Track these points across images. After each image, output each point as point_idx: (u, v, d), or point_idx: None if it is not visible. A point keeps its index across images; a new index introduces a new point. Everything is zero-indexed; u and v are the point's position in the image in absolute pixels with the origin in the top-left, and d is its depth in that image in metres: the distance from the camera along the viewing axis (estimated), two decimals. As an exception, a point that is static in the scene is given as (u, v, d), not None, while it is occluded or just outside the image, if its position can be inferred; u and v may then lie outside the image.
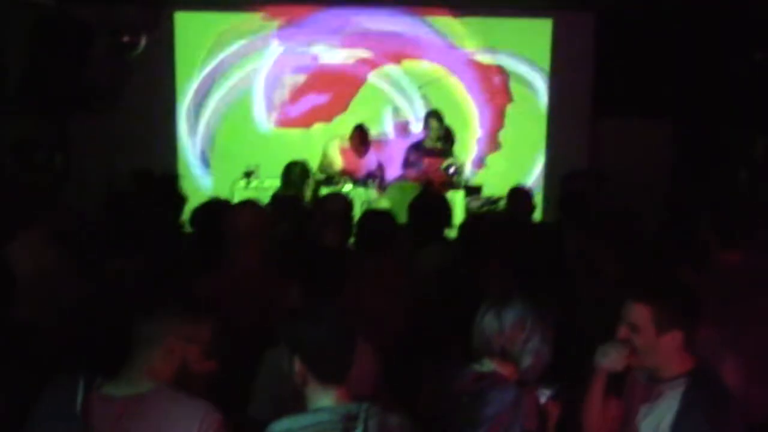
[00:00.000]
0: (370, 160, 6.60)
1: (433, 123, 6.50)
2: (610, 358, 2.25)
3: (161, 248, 3.47)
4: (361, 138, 6.42)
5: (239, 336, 2.63)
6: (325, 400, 1.99)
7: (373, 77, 7.61)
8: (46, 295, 3.12)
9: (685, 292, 2.21)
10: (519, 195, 4.84)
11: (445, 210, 4.00)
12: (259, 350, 2.50)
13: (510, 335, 2.23)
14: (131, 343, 2.00)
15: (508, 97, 7.73)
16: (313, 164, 6.30)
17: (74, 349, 2.56)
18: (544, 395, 2.24)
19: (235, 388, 2.44)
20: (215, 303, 2.62)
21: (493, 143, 7.77)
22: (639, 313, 2.18)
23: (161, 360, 1.99)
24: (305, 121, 7.67)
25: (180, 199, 4.60)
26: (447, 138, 6.67)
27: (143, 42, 6.91)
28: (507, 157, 7.78)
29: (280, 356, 2.34)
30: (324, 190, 5.66)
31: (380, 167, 6.64)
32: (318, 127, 7.62)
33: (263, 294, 2.83)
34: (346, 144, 6.52)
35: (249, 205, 3.37)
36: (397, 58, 7.58)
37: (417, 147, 6.61)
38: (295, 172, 5.11)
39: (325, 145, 6.64)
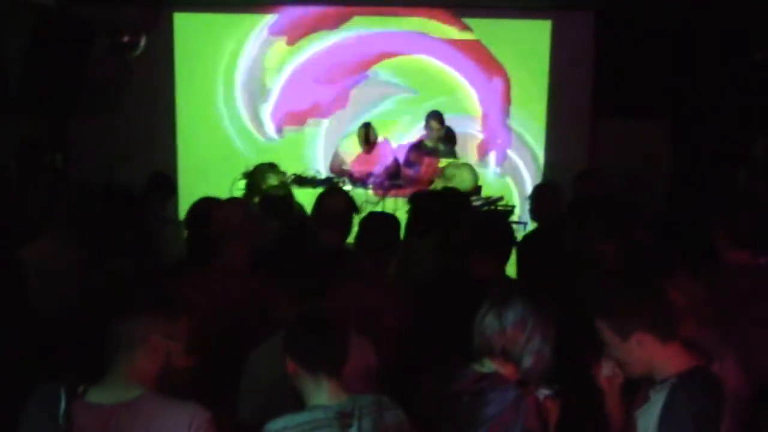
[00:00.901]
0: (382, 159, 6.58)
1: (434, 124, 6.50)
2: (609, 371, 2.26)
3: (154, 248, 3.47)
4: (366, 136, 6.43)
5: (225, 332, 2.63)
6: (320, 394, 2.00)
7: (371, 73, 7.62)
8: (56, 296, 3.13)
9: (634, 294, 2.20)
10: (544, 191, 4.68)
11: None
12: (244, 347, 2.50)
13: (511, 335, 2.22)
14: (112, 346, 1.99)
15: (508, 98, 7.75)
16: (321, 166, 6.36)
17: (65, 352, 2.56)
18: (542, 394, 2.23)
19: (221, 384, 2.44)
20: (200, 299, 2.63)
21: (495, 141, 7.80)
22: (601, 329, 2.20)
23: (145, 360, 1.98)
24: (302, 117, 7.68)
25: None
26: (448, 139, 6.67)
27: (143, 42, 6.91)
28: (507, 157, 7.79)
29: (261, 358, 2.34)
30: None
31: (394, 166, 6.60)
32: (317, 125, 7.64)
33: (250, 291, 2.83)
34: (355, 143, 6.54)
35: (236, 202, 3.37)
36: (395, 55, 7.60)
37: (417, 147, 6.61)
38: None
39: (337, 144, 6.65)
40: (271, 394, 2.30)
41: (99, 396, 1.95)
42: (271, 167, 5.20)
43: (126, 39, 6.83)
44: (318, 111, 7.67)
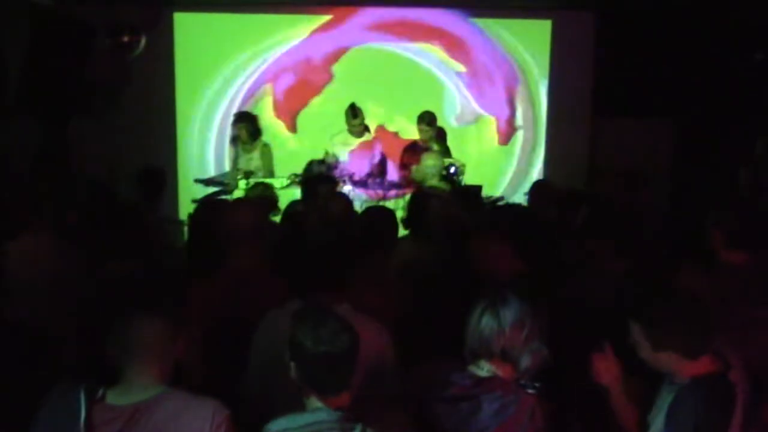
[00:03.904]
0: (373, 150, 6.60)
1: (424, 125, 6.52)
2: (598, 374, 2.29)
3: (158, 249, 3.46)
4: (353, 113, 6.46)
5: (236, 333, 2.63)
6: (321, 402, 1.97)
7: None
8: (50, 297, 3.12)
9: (676, 314, 2.19)
10: (541, 189, 4.75)
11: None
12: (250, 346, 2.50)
13: (510, 336, 2.17)
14: (130, 349, 1.98)
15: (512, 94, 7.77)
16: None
17: (76, 355, 2.55)
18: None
19: (231, 384, 2.44)
20: (212, 301, 2.62)
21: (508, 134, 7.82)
22: (635, 331, 2.22)
23: (160, 360, 1.99)
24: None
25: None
26: (440, 138, 6.70)
27: (143, 42, 6.90)
28: (507, 157, 7.79)
29: (278, 318, 2.33)
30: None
31: (382, 162, 6.63)
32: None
33: (261, 292, 2.83)
34: (344, 133, 6.55)
35: (246, 203, 3.36)
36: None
37: (411, 148, 6.63)
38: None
39: (326, 144, 6.66)
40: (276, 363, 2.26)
41: (119, 398, 1.95)
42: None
43: (126, 39, 6.83)
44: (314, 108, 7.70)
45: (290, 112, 7.73)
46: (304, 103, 7.70)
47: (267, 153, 6.40)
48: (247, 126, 6.30)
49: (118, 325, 2.00)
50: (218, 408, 1.95)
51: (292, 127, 7.75)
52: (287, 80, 7.67)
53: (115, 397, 1.95)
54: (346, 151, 6.48)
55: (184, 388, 2.01)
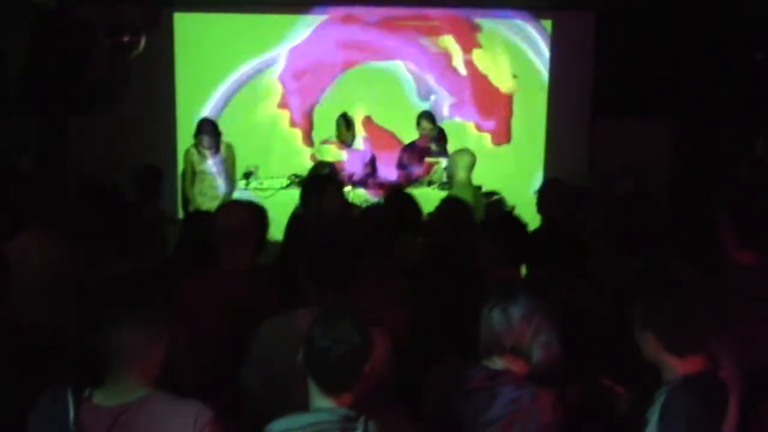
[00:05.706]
0: (362, 154, 6.61)
1: (425, 124, 6.52)
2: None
3: (152, 249, 3.46)
4: (347, 125, 6.46)
5: (224, 333, 2.63)
6: (324, 401, 1.98)
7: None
8: (49, 297, 3.12)
9: (673, 313, 2.22)
10: (550, 189, 4.60)
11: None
12: (244, 347, 2.50)
13: (519, 331, 2.21)
14: (114, 350, 1.98)
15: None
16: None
17: (69, 355, 2.55)
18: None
19: (223, 383, 2.44)
20: (199, 300, 2.63)
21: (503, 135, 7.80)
22: (636, 329, 2.26)
23: (146, 361, 1.99)
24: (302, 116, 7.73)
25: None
26: (440, 138, 6.69)
27: (143, 42, 6.91)
28: (507, 157, 7.79)
29: (277, 326, 2.33)
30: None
31: (372, 162, 6.64)
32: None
33: (249, 292, 2.83)
34: (334, 138, 6.57)
35: (236, 205, 3.39)
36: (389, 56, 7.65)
37: (411, 148, 6.62)
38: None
39: (316, 144, 6.70)
40: (278, 369, 2.27)
41: (104, 398, 1.96)
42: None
43: (126, 39, 6.83)
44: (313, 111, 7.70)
45: (291, 111, 7.74)
46: (305, 103, 7.71)
47: (231, 154, 6.56)
48: (213, 133, 6.43)
49: (106, 326, 2.00)
50: (202, 410, 1.95)
51: (295, 128, 7.76)
52: (288, 80, 7.68)
53: (102, 398, 1.96)
54: (331, 149, 6.51)
55: (176, 388, 2.01)
